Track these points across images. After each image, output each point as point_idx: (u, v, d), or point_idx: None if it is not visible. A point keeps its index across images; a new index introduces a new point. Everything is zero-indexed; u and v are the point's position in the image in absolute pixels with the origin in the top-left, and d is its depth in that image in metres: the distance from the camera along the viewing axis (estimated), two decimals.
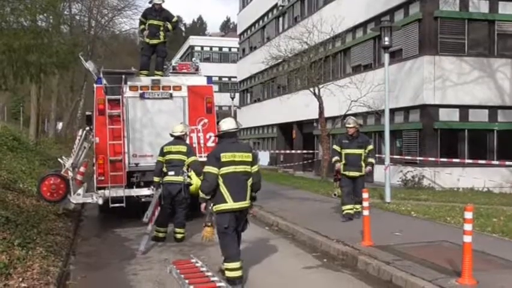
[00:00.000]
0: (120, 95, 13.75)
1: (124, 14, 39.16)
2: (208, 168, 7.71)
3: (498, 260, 8.70)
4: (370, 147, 13.20)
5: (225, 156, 7.69)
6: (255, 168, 7.94)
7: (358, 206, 12.64)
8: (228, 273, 7.70)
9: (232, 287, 7.56)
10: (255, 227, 13.57)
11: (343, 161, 12.89)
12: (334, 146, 13.26)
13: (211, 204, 7.76)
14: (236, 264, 7.69)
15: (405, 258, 8.83)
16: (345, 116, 26.74)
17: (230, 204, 7.62)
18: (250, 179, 7.86)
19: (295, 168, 35.37)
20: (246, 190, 7.78)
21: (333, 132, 29.13)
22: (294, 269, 9.14)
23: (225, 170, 7.67)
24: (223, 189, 7.64)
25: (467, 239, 7.30)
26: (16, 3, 12.37)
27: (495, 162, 22.61)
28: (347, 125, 13.02)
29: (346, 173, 12.87)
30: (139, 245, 10.59)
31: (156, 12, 15.08)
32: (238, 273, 7.67)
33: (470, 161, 22.64)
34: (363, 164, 12.87)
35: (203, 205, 7.90)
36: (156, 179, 11.72)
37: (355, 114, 27.24)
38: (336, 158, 13.01)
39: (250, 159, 7.85)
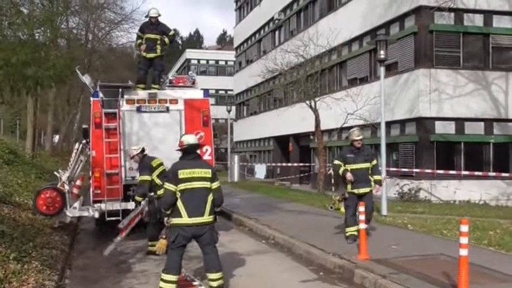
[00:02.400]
0: (116, 108, 13.76)
1: (121, 27, 39.14)
2: (166, 185, 7.92)
3: (495, 274, 8.70)
4: (375, 161, 11.95)
5: (183, 173, 7.80)
6: (215, 185, 8.01)
7: (366, 225, 11.10)
8: (162, 284, 7.74)
9: None
10: (251, 240, 13.59)
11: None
12: (336, 162, 11.87)
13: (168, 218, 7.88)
14: (171, 277, 7.71)
15: (402, 272, 8.83)
16: (341, 128, 26.90)
17: (185, 219, 7.65)
18: (211, 195, 7.92)
19: (291, 181, 35.37)
20: (205, 206, 7.80)
21: (329, 145, 29.20)
22: (290, 282, 9.13)
23: (183, 186, 7.76)
24: (180, 204, 7.72)
25: (464, 252, 7.30)
26: (14, 17, 12.42)
27: (492, 173, 22.66)
28: (354, 137, 11.64)
29: (355, 190, 11.51)
30: (106, 249, 10.79)
31: (153, 26, 15.12)
32: (170, 286, 7.70)
33: (466, 172, 22.68)
34: (371, 178, 11.65)
35: (165, 219, 8.00)
36: (140, 198, 11.79)
37: (351, 127, 27.38)
38: (343, 168, 11.62)
39: (209, 176, 7.93)
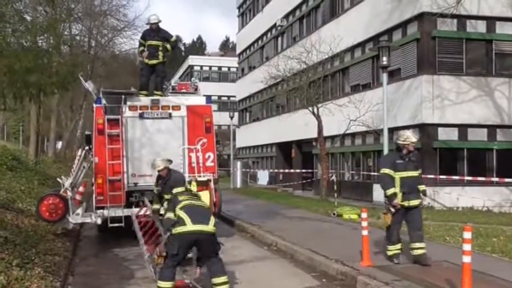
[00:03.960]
0: (119, 114, 13.79)
1: (124, 34, 39.21)
2: (168, 214, 8.43)
3: (498, 281, 8.68)
4: (420, 169, 10.49)
5: (183, 200, 8.22)
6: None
7: (421, 245, 9.94)
8: None
9: None
10: (253, 247, 13.58)
11: (398, 188, 9.89)
12: (385, 170, 10.01)
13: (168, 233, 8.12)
14: (166, 284, 7.85)
15: (404, 279, 8.81)
16: (344, 135, 26.90)
17: (189, 226, 7.74)
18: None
19: (294, 187, 35.33)
20: (208, 216, 7.99)
21: (332, 151, 29.20)
22: None
23: (183, 204, 8.08)
24: (182, 214, 7.89)
25: (467, 259, 7.28)
26: (17, 24, 12.46)
27: (495, 179, 22.61)
28: (408, 140, 9.99)
29: (405, 203, 9.85)
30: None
31: (154, 32, 15.16)
32: None
33: (469, 178, 22.63)
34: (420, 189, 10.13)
35: (166, 235, 8.35)
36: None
37: (354, 134, 27.43)
38: (393, 189, 9.84)
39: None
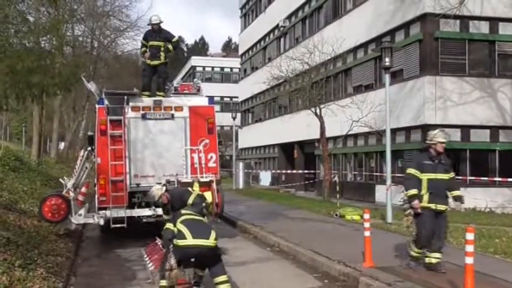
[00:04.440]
0: (122, 115, 13.80)
1: (126, 35, 39.26)
2: (168, 225, 8.49)
3: (500, 282, 8.67)
4: (453, 173, 9.75)
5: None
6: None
7: (437, 255, 9.40)
8: None
9: None
10: (255, 248, 13.57)
11: (425, 190, 9.32)
12: (410, 170, 9.48)
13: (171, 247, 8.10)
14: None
15: (407, 280, 8.80)
16: (346, 136, 26.88)
17: (189, 240, 7.75)
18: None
19: (296, 188, 35.32)
20: (209, 231, 7.96)
21: (335, 152, 29.18)
22: None
23: (183, 218, 8.15)
24: (182, 228, 7.90)
25: (469, 260, 7.27)
26: (20, 25, 12.47)
27: (497, 179, 22.57)
28: (435, 139, 9.41)
29: (433, 205, 9.28)
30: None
31: (155, 33, 15.17)
32: None
33: (472, 178, 22.59)
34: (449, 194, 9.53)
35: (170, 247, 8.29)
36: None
37: (356, 135, 27.41)
38: (414, 191, 9.33)
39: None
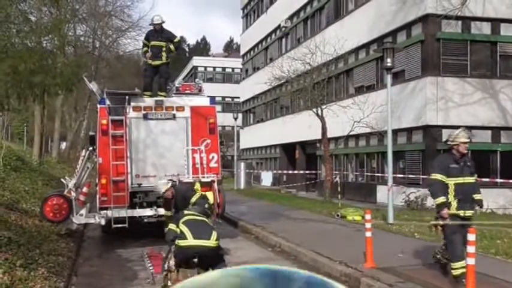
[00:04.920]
0: (123, 115, 13.80)
1: (128, 35, 39.36)
2: (171, 225, 8.68)
3: (502, 283, 8.66)
4: (476, 175, 9.14)
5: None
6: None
7: (463, 264, 8.21)
8: None
9: None
10: (257, 248, 13.57)
11: (452, 196, 8.61)
12: (436, 176, 8.68)
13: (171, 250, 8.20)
14: None
15: (408, 281, 8.79)
16: (348, 136, 26.86)
17: (190, 241, 7.77)
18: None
19: (298, 189, 35.31)
20: (210, 232, 7.96)
21: (336, 152, 29.15)
22: None
23: (186, 218, 8.31)
24: (184, 228, 8.01)
25: (471, 261, 7.27)
26: (22, 25, 12.48)
27: (499, 180, 22.55)
28: (457, 140, 8.74)
29: (461, 212, 8.58)
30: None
31: (157, 33, 15.18)
32: None
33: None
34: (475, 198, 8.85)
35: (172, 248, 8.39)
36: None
37: (358, 135, 27.41)
38: (443, 198, 8.56)
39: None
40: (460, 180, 8.58)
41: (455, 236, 8.44)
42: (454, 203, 8.53)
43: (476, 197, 8.81)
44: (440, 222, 8.65)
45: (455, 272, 8.47)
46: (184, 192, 10.70)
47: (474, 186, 8.86)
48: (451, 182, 8.55)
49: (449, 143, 8.83)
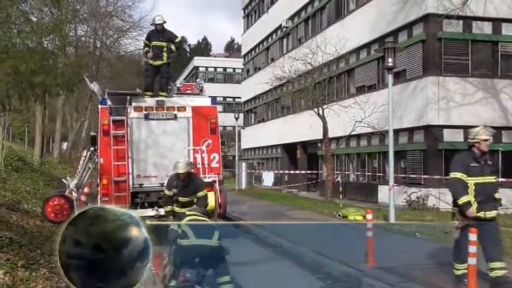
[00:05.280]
0: (124, 115, 13.81)
1: (129, 35, 39.36)
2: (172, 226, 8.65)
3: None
4: (496, 174, 8.78)
5: None
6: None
7: (502, 264, 8.20)
8: None
9: None
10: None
11: (472, 196, 8.22)
12: (456, 174, 8.32)
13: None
14: None
15: (409, 280, 8.78)
16: (349, 136, 26.86)
17: (192, 240, 7.79)
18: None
19: (299, 189, 35.29)
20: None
21: (337, 152, 29.14)
22: None
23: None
24: (186, 228, 7.97)
25: (472, 261, 7.26)
26: (23, 25, 12.49)
27: (500, 180, 22.52)
28: (477, 137, 8.32)
29: (481, 214, 8.18)
30: None
31: (159, 33, 15.17)
32: None
33: None
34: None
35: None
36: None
37: (359, 135, 27.39)
38: (467, 198, 8.17)
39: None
40: (481, 179, 8.22)
41: (465, 239, 7.93)
42: (474, 205, 8.17)
43: (497, 195, 8.49)
44: (456, 223, 8.35)
45: (457, 272, 8.43)
46: (200, 186, 10.89)
47: (495, 186, 8.54)
48: (471, 181, 8.20)
49: (469, 140, 8.47)
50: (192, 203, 10.70)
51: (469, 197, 8.13)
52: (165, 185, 11.60)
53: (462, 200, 8.14)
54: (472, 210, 8.09)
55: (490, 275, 8.19)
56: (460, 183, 8.23)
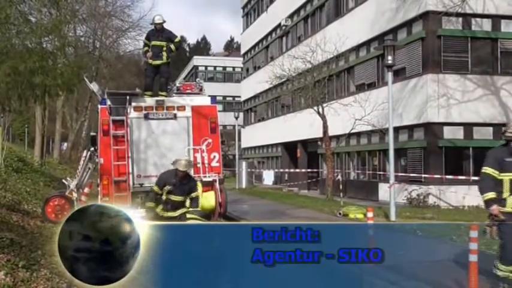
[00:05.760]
0: (124, 115, 13.77)
1: (128, 35, 39.33)
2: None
3: None
4: None
5: None
6: None
7: None
8: None
9: None
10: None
11: (508, 192, 7.83)
12: (487, 170, 8.07)
13: None
14: None
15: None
16: (349, 134, 26.84)
17: None
18: None
19: (300, 187, 35.30)
20: None
21: (337, 150, 29.14)
22: None
23: None
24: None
25: (473, 258, 7.24)
26: (22, 26, 12.48)
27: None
28: None
29: None
30: None
31: (158, 32, 15.13)
32: None
33: (475, 178, 22.52)
34: None
35: None
36: None
37: (359, 133, 27.38)
38: (491, 194, 7.90)
39: None
40: None
41: (509, 236, 7.66)
42: (510, 200, 7.74)
43: None
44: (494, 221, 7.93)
45: (500, 273, 7.91)
46: (165, 179, 11.01)
47: None
48: (506, 177, 7.80)
49: (507, 134, 7.93)
50: (183, 204, 10.85)
51: (505, 193, 7.78)
52: (156, 180, 11.67)
53: (486, 196, 7.87)
54: (508, 206, 7.75)
55: (510, 276, 7.83)
56: (490, 179, 7.93)
